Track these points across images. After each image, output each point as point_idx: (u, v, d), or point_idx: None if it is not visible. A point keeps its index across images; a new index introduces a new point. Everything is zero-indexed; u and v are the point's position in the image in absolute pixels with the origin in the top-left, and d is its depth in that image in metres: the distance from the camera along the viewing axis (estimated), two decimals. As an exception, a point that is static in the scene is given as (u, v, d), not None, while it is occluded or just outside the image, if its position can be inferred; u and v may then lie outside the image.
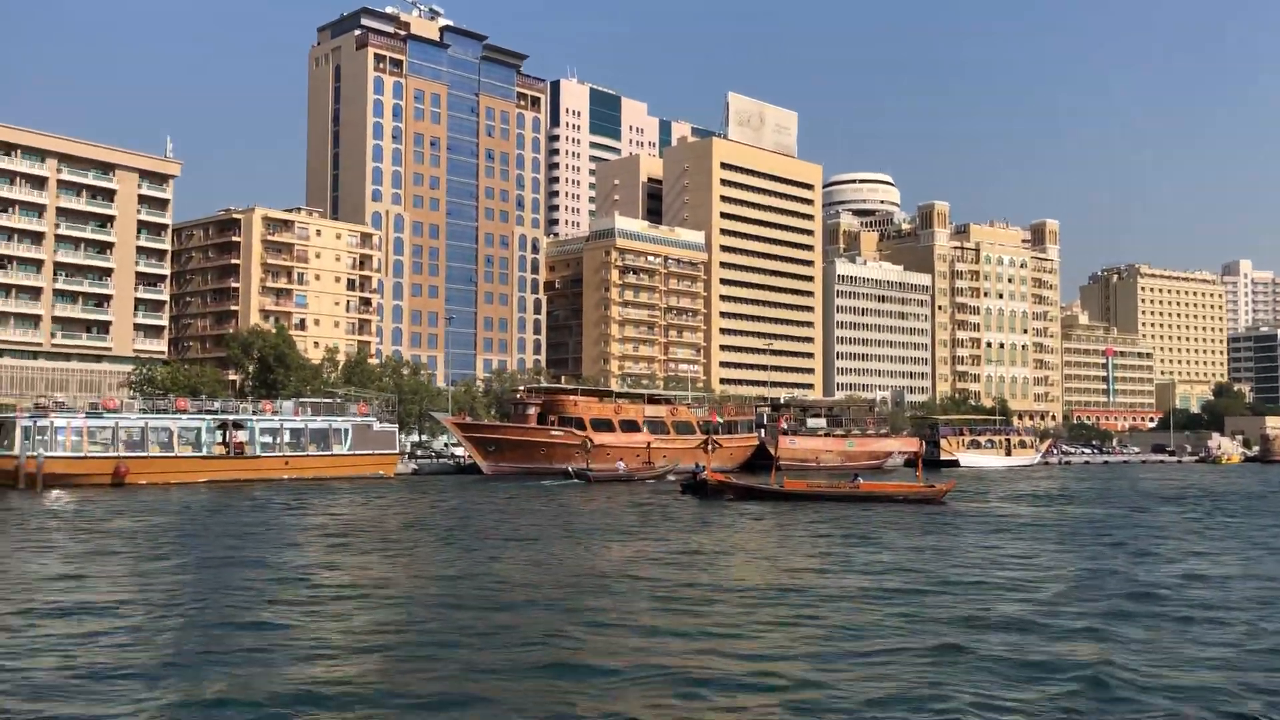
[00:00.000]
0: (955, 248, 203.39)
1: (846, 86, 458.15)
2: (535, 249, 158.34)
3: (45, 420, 59.48)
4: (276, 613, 20.29)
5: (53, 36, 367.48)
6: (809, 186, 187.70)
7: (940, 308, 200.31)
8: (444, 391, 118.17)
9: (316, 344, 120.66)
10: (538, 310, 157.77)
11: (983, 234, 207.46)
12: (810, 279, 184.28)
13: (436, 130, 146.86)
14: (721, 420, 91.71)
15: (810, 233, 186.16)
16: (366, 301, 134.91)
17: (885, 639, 18.12)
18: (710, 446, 60.25)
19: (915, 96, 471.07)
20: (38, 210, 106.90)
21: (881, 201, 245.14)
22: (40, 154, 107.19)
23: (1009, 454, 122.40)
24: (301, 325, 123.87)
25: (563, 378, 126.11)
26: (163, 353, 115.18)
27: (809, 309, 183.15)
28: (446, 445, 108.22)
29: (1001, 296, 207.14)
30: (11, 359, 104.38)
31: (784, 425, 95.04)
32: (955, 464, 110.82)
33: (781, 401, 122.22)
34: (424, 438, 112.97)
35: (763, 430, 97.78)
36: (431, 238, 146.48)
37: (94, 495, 54.93)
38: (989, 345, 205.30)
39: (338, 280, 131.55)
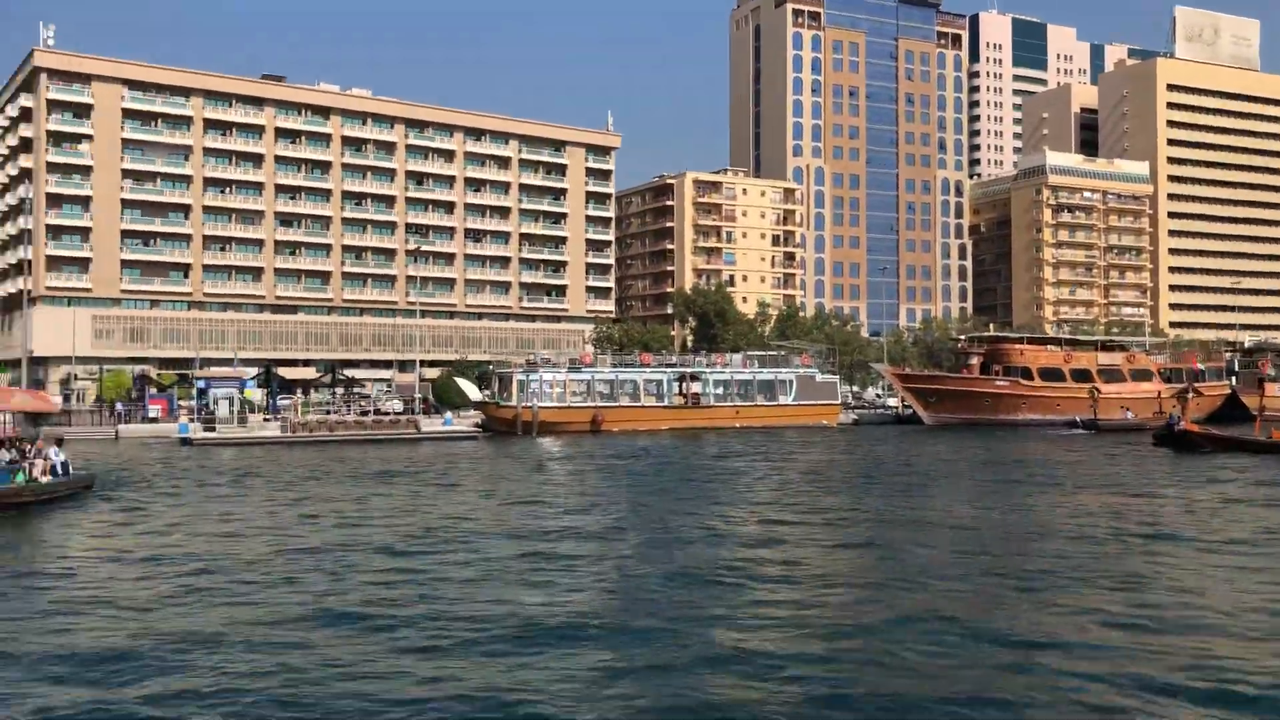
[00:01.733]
0: None
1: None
2: (958, 192, 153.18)
3: (536, 375, 66.93)
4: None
5: (485, 20, 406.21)
6: (1277, 102, 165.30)
7: None
8: (871, 342, 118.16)
9: (745, 299, 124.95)
10: (962, 256, 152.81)
11: None
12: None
13: (855, 79, 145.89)
14: (1203, 367, 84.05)
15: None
16: (790, 256, 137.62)
17: None
18: (1188, 396, 55.47)
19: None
20: (504, 187, 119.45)
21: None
22: (505, 137, 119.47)
23: None
24: (731, 282, 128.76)
25: (991, 325, 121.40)
26: (611, 312, 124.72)
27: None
28: (878, 396, 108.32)
29: None
30: (490, 320, 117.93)
31: (1269, 370, 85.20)
32: None
33: (1246, 345, 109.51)
34: (854, 388, 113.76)
35: (1234, 378, 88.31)
36: (851, 188, 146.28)
37: (578, 440, 60.89)
38: None
39: (763, 237, 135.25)
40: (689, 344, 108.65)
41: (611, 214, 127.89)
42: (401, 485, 33.09)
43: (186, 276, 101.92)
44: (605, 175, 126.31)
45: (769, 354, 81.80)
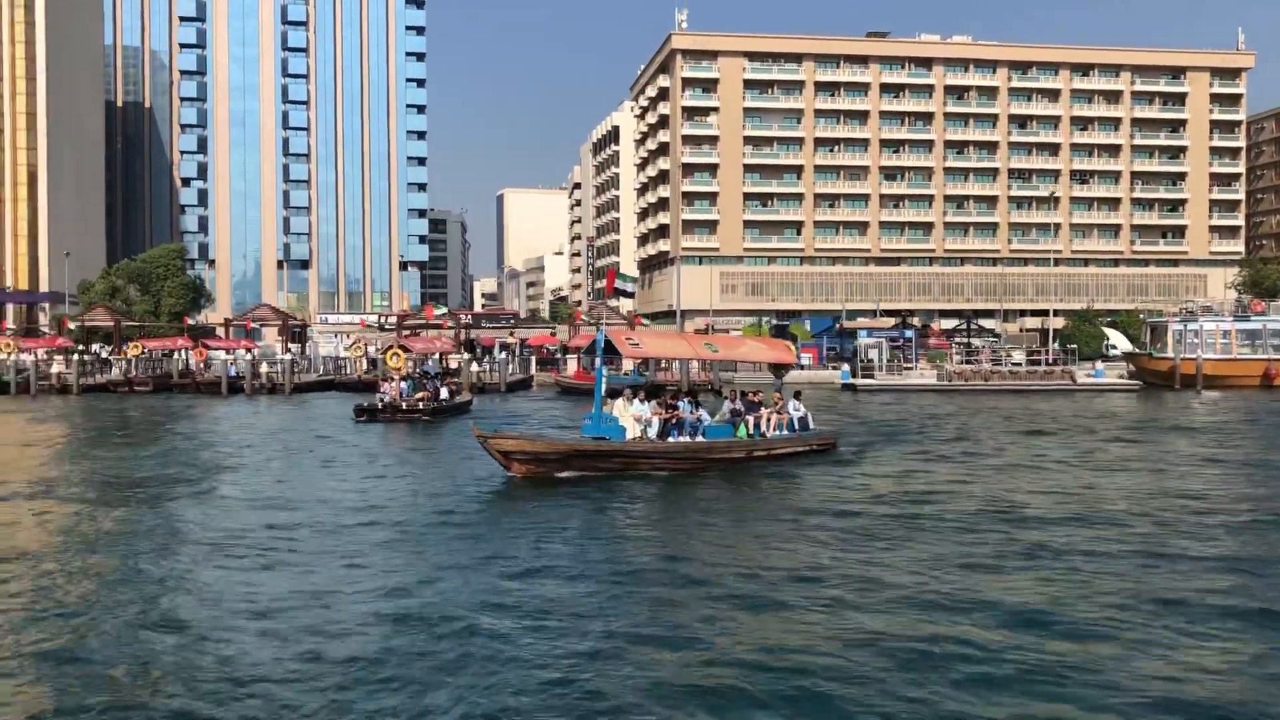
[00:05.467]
0: None
1: None
2: None
3: (1194, 324, 61.88)
4: None
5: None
6: None
7: None
8: None
9: None
10: None
11: None
12: None
13: None
14: None
15: None
16: None
17: None
18: None
19: None
20: (1114, 124, 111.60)
21: None
22: (1115, 69, 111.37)
23: None
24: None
25: None
26: (1239, 253, 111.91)
27: None
28: None
29: None
30: (1096, 267, 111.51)
31: None
32: None
33: None
34: None
35: None
36: None
37: (1250, 397, 55.26)
38: None
39: None
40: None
41: (1241, 143, 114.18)
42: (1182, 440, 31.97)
43: (799, 234, 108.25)
44: (1233, 101, 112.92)
45: None
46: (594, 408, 22.83)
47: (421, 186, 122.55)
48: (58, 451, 29.02)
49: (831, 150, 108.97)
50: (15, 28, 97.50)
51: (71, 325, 72.08)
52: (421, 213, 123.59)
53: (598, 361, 23.86)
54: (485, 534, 15.77)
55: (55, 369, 59.02)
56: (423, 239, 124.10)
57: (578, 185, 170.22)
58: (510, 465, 20.85)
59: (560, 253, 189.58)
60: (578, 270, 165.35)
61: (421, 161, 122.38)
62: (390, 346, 46.62)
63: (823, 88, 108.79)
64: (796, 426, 25.25)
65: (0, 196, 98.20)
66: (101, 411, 44.01)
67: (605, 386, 24.04)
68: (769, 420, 24.73)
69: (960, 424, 35.63)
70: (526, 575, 13.00)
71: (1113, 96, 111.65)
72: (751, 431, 24.04)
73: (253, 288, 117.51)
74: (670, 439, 22.52)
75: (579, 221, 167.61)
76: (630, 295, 30.19)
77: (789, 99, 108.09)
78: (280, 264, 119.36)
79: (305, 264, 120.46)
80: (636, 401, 22.95)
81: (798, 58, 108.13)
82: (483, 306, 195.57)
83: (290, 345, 70.44)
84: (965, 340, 73.33)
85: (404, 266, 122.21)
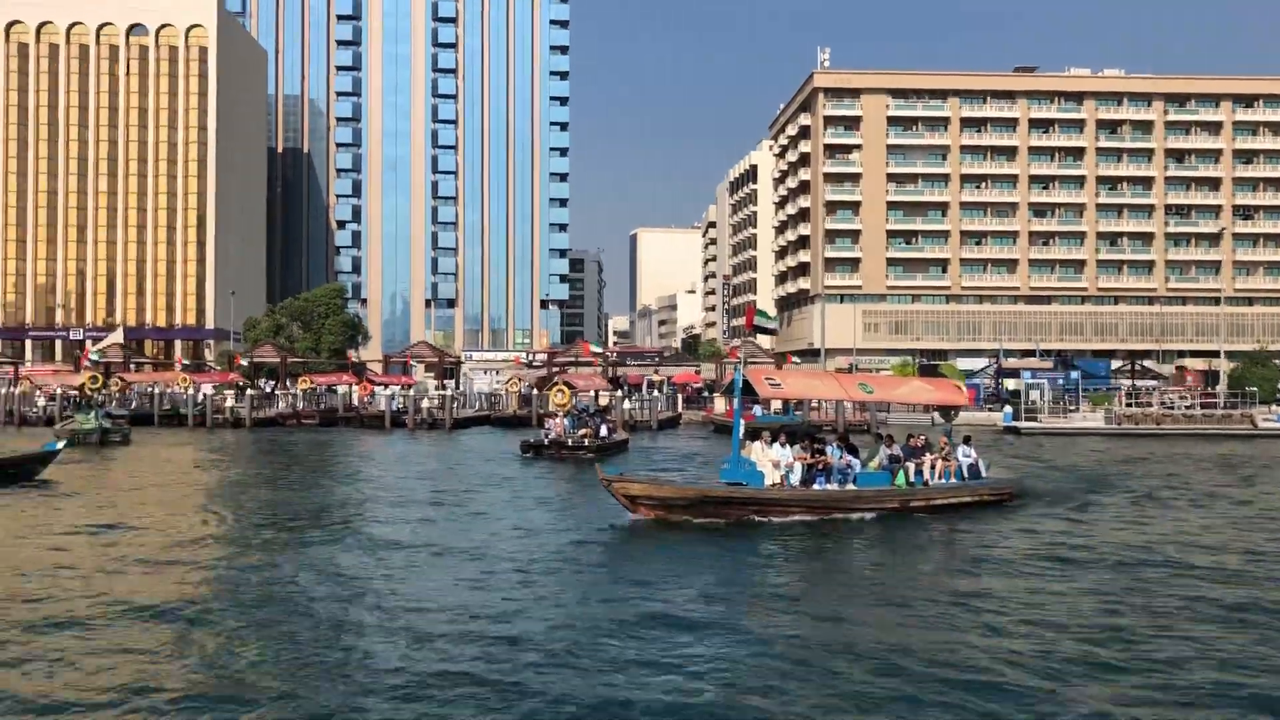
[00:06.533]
0: None
1: None
2: None
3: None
4: None
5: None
6: None
7: None
8: None
9: None
10: None
11: None
12: None
13: None
14: None
15: None
16: None
17: None
18: None
19: None
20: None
21: None
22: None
23: None
24: None
25: None
26: None
27: None
28: None
29: None
30: (1262, 306, 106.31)
31: None
32: None
33: None
34: None
35: None
36: None
37: None
38: None
39: None
40: None
41: None
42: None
43: (944, 271, 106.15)
44: None
45: None
46: (732, 451, 21.42)
47: (563, 227, 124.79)
48: (264, 478, 30.25)
49: (978, 187, 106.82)
50: (190, 80, 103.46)
51: (243, 361, 75.36)
52: (562, 253, 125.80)
53: (735, 402, 22.58)
54: (628, 573, 15.69)
55: (228, 403, 61.79)
56: (563, 278, 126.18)
57: (712, 224, 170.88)
58: (637, 509, 19.88)
59: (692, 291, 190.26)
60: (711, 308, 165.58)
61: (563, 203, 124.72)
62: (555, 383, 47.28)
63: (969, 124, 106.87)
64: (965, 474, 22.90)
65: (172, 239, 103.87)
66: (283, 443, 45.63)
67: (750, 427, 22.76)
68: (934, 467, 22.47)
69: (1156, 471, 33.91)
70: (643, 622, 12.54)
71: (1279, 128, 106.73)
72: (912, 479, 21.96)
73: (401, 325, 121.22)
74: (816, 486, 20.89)
75: (714, 260, 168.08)
76: (770, 332, 29.42)
77: (934, 135, 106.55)
78: (428, 303, 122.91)
79: (451, 302, 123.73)
80: (776, 445, 21.28)
81: (942, 94, 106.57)
82: (614, 344, 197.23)
83: (445, 381, 72.24)
84: (1133, 383, 70.23)
85: (545, 305, 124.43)
